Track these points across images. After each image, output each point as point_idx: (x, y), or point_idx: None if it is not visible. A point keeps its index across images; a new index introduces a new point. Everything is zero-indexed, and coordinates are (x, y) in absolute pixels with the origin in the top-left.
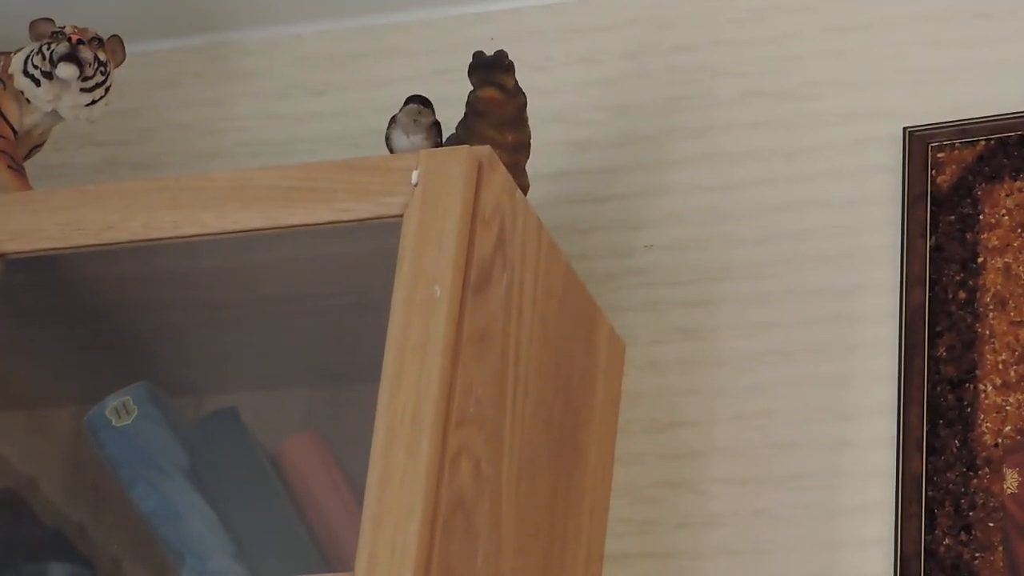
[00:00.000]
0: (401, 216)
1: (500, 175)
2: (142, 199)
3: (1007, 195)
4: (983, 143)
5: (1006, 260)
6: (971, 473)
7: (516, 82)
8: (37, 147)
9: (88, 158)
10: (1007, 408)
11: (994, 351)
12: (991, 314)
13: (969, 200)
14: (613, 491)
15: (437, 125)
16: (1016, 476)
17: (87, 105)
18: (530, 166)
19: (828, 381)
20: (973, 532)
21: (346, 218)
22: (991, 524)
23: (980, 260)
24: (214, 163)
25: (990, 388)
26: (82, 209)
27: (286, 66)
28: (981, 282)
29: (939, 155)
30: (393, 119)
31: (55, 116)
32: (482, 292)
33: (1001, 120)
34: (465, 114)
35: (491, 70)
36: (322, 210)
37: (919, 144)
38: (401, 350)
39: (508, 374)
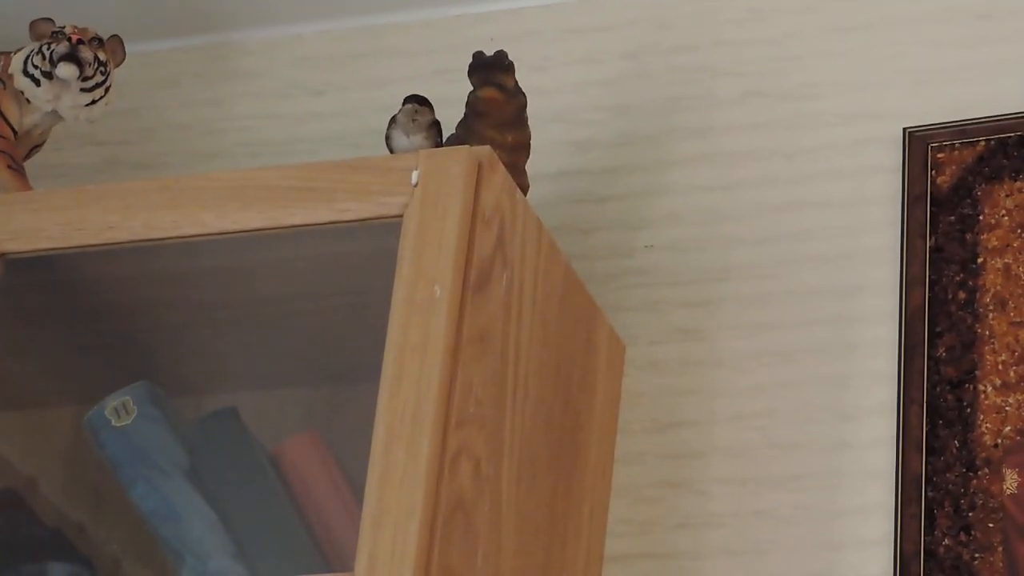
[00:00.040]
0: (401, 216)
1: (500, 175)
2: (142, 199)
3: (1007, 196)
4: (983, 144)
5: (1006, 261)
6: (971, 474)
7: (516, 82)
8: (37, 147)
9: (88, 158)
10: (1007, 409)
11: (994, 352)
12: (991, 315)
13: (969, 201)
14: (613, 491)
15: (437, 125)
16: (1016, 477)
17: (87, 105)
18: (530, 166)
19: (828, 382)
20: (973, 533)
21: (346, 218)
22: (991, 525)
23: (980, 261)
24: (214, 163)
25: (990, 389)
26: (82, 209)
27: (286, 66)
28: (981, 283)
29: (939, 156)
30: (393, 119)
31: (55, 116)
32: (482, 292)
33: (1001, 121)
34: (465, 114)
35: (491, 70)
36: (322, 210)
37: (919, 144)
38: (401, 350)
39: (508, 374)
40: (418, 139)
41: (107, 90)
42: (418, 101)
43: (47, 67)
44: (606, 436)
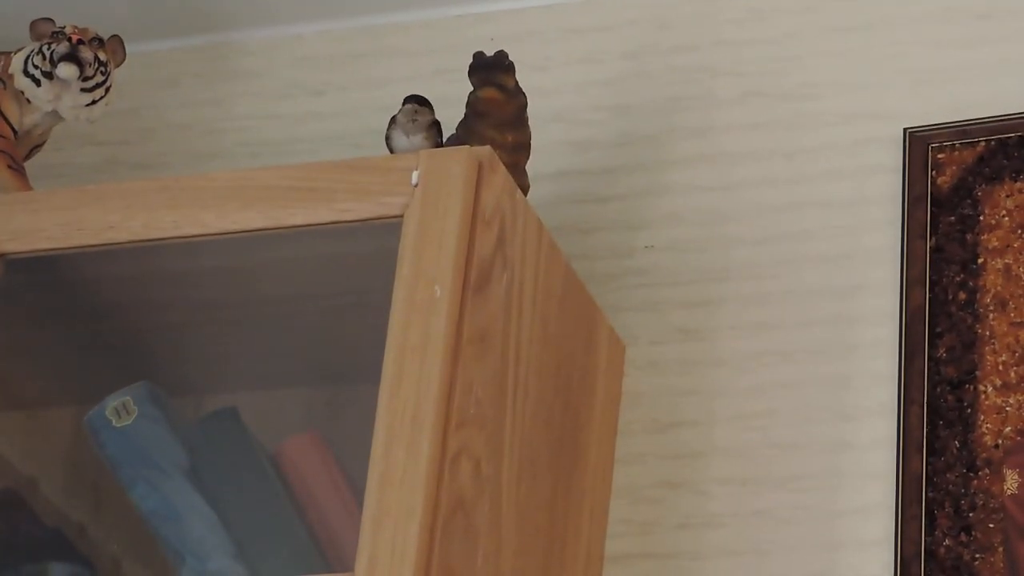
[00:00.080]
0: (401, 216)
1: (500, 175)
2: (142, 199)
3: (1007, 196)
4: (983, 144)
5: (1006, 261)
6: (971, 474)
7: (516, 82)
8: (37, 147)
9: (88, 158)
10: (1007, 409)
11: (994, 352)
12: (991, 315)
13: (969, 201)
14: (613, 491)
15: (437, 125)
16: (1016, 477)
17: (87, 105)
18: (530, 166)
19: (828, 382)
20: (973, 533)
21: (346, 218)
22: (991, 525)
23: (980, 261)
24: (214, 163)
25: (990, 389)
26: (82, 209)
27: (286, 66)
28: (981, 283)
29: (939, 156)
30: (393, 120)
31: (55, 116)
32: (482, 292)
33: (1001, 121)
34: (465, 114)
35: (491, 70)
36: (322, 210)
37: (919, 145)
38: (401, 350)
39: (508, 374)
40: (418, 139)
41: (107, 90)
42: (418, 101)
43: (47, 67)
44: (606, 436)
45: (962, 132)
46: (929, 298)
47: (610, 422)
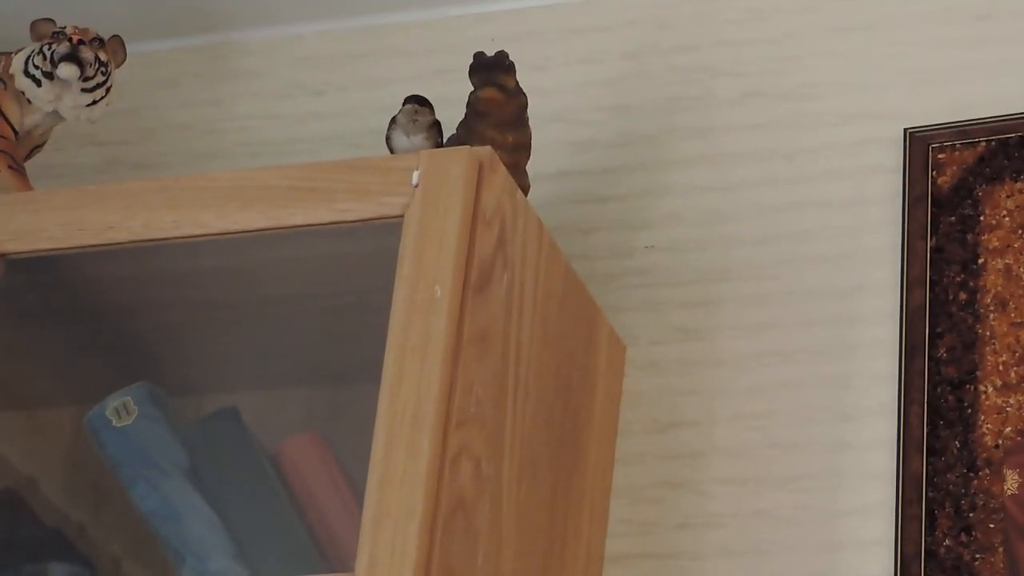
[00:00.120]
0: (402, 216)
1: (501, 175)
2: (142, 199)
3: (1008, 196)
4: (984, 144)
5: (1007, 261)
6: (971, 474)
7: (517, 82)
8: (38, 147)
9: (88, 158)
10: (1007, 409)
11: (994, 352)
12: (992, 315)
13: (969, 201)
14: (613, 491)
15: (437, 125)
16: (1016, 477)
17: (88, 105)
18: (531, 166)
19: (828, 382)
20: (973, 533)
21: (346, 218)
22: (991, 525)
23: (980, 261)
24: (214, 163)
25: (990, 389)
26: (83, 209)
27: (286, 66)
28: (982, 283)
29: (940, 156)
30: (393, 120)
31: (56, 116)
32: (482, 292)
33: (1002, 121)
34: (465, 114)
35: (492, 70)
36: (322, 210)
37: (919, 145)
38: (401, 350)
39: (508, 374)
40: (418, 139)
41: (108, 90)
42: (418, 101)
43: (48, 67)
44: (606, 436)
45: (962, 132)
46: (929, 298)
47: (610, 422)
